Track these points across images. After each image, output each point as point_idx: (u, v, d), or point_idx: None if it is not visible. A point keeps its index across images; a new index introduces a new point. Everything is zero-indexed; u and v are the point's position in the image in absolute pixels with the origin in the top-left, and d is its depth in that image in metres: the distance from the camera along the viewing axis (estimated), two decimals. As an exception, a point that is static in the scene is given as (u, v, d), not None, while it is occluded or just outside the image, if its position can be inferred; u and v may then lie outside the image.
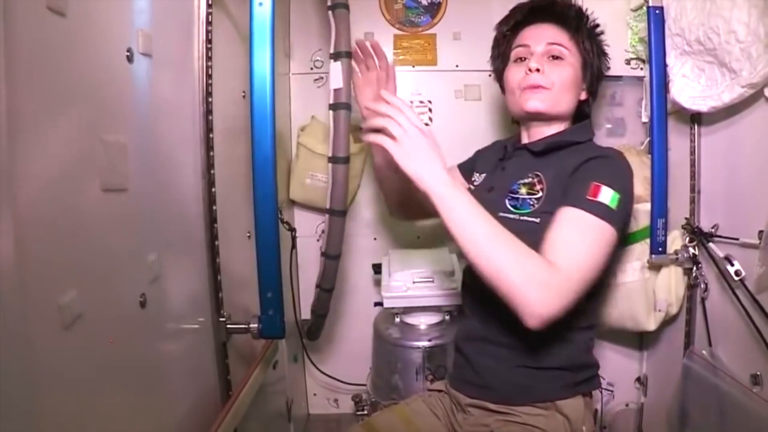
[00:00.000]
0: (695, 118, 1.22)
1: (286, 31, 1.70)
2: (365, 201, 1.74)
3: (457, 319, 1.43)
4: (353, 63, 1.24)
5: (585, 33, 1.07)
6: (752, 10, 0.98)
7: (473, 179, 1.18)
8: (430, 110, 1.75)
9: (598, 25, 1.12)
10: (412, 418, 1.04)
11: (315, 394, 1.86)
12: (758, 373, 1.01)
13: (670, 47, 1.20)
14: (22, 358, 0.52)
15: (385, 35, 1.74)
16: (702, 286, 1.20)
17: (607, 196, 0.87)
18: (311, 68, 1.74)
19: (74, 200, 0.63)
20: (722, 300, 1.14)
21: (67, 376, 0.59)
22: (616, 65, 1.35)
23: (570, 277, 0.81)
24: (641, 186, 1.22)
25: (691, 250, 1.21)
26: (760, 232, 0.96)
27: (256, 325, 1.04)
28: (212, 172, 1.06)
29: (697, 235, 1.19)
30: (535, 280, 0.79)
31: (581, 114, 1.12)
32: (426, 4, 1.74)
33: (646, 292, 1.26)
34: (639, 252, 1.26)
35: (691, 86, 1.16)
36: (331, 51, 1.35)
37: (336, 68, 1.32)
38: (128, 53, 0.77)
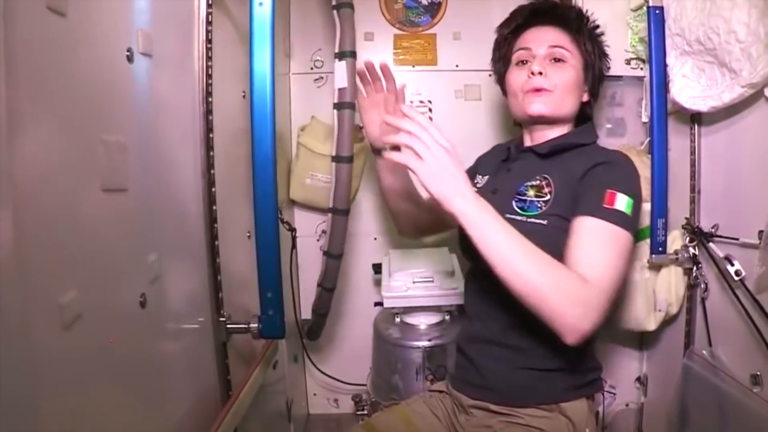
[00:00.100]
0: (695, 118, 1.22)
1: (286, 31, 1.70)
2: (365, 201, 1.74)
3: (458, 319, 1.43)
4: (359, 83, 1.22)
5: (586, 35, 1.07)
6: (752, 10, 0.98)
7: (476, 181, 1.18)
8: (430, 110, 1.76)
9: (598, 26, 1.12)
10: (413, 419, 1.04)
11: (315, 394, 1.86)
12: (758, 373, 1.01)
13: (670, 47, 1.20)
14: (22, 357, 0.52)
15: (385, 35, 1.74)
16: (702, 286, 1.20)
17: (622, 203, 0.88)
18: (311, 68, 1.74)
19: (74, 200, 0.63)
20: (722, 300, 1.13)
21: (67, 375, 0.59)
22: (616, 65, 1.35)
23: (603, 290, 0.83)
24: (642, 186, 1.22)
25: (691, 250, 1.21)
26: (760, 232, 0.96)
27: (256, 325, 1.04)
28: (212, 172, 1.06)
29: (697, 235, 1.19)
30: (574, 299, 0.80)
31: (583, 115, 1.12)
32: (426, 4, 1.74)
33: (646, 291, 1.27)
34: (639, 252, 1.26)
35: (691, 86, 1.16)
36: (336, 50, 1.35)
37: (341, 68, 1.31)
38: (128, 53, 0.77)
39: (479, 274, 1.04)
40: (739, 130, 1.10)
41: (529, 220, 0.96)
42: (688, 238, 1.22)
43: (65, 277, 0.60)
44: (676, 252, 1.22)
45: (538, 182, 0.99)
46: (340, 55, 1.30)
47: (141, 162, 0.80)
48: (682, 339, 1.27)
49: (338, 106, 1.34)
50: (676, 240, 1.25)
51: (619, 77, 1.43)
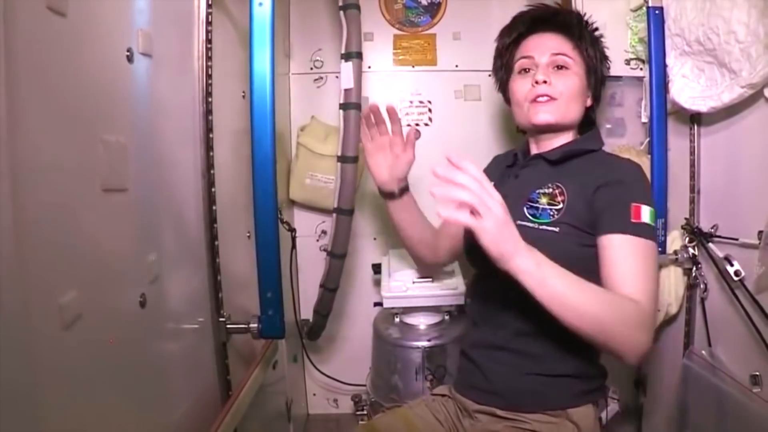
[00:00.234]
0: (695, 119, 1.22)
1: (286, 31, 1.70)
2: (365, 201, 1.74)
3: (458, 319, 1.43)
4: (362, 126, 1.18)
5: (588, 40, 1.07)
6: (752, 11, 0.99)
7: None
8: (429, 110, 1.76)
9: (597, 29, 1.12)
10: (414, 422, 1.03)
11: (314, 394, 1.86)
12: (758, 373, 1.01)
13: (670, 47, 1.20)
14: (22, 357, 0.52)
15: (385, 35, 1.74)
16: (702, 286, 1.20)
17: (647, 214, 0.90)
18: (311, 68, 1.74)
19: (74, 200, 0.63)
20: (722, 300, 1.14)
21: (67, 376, 0.59)
22: (616, 65, 1.35)
23: (651, 307, 0.86)
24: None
25: (691, 251, 1.21)
26: (760, 232, 0.96)
27: (256, 325, 1.04)
28: (212, 172, 1.06)
29: (697, 235, 1.19)
30: (634, 324, 0.83)
31: (587, 120, 1.12)
32: (426, 4, 1.74)
33: (645, 292, 1.27)
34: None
35: (691, 86, 1.16)
36: (342, 51, 1.35)
37: (347, 68, 1.31)
38: (128, 53, 0.77)
39: (486, 281, 1.04)
40: (738, 130, 1.10)
41: (540, 227, 0.96)
42: (687, 239, 1.22)
43: (65, 277, 0.60)
44: (675, 252, 1.22)
45: (550, 190, 0.99)
46: (347, 56, 1.30)
47: (141, 162, 0.80)
48: (682, 339, 1.28)
49: (344, 107, 1.34)
50: (675, 240, 1.25)
51: (618, 77, 1.43)
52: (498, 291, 0.92)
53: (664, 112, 1.21)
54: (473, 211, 0.73)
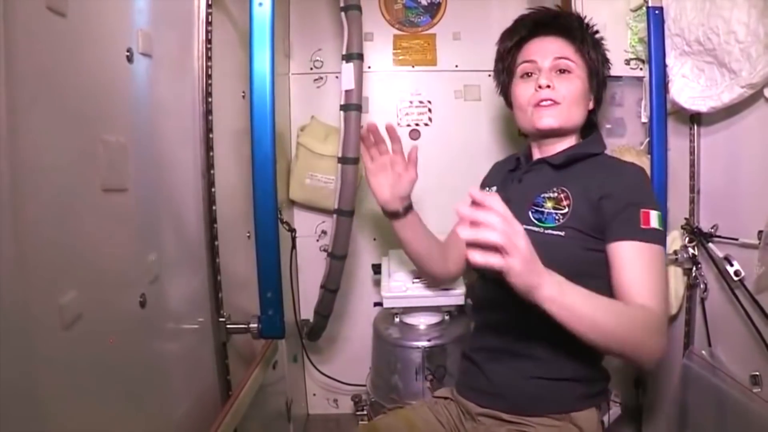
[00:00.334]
0: (695, 119, 1.22)
1: (286, 31, 1.70)
2: (365, 202, 1.74)
3: (457, 319, 1.43)
4: (361, 146, 1.15)
5: (590, 43, 1.07)
6: (752, 11, 0.99)
7: None
8: (429, 110, 1.76)
9: (597, 31, 1.12)
10: (416, 423, 1.03)
11: (314, 394, 1.86)
12: (758, 373, 1.01)
13: (670, 47, 1.20)
14: (23, 357, 0.52)
15: (385, 35, 1.74)
16: (701, 286, 1.20)
17: (655, 219, 0.91)
18: (311, 68, 1.75)
19: (74, 200, 0.63)
20: (722, 300, 1.14)
21: (67, 375, 0.59)
22: (616, 65, 1.35)
23: (663, 311, 0.88)
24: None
25: (691, 251, 1.21)
26: (760, 232, 0.96)
27: (256, 325, 1.04)
28: (212, 172, 1.06)
29: (697, 235, 1.19)
30: (651, 333, 0.85)
31: (589, 123, 1.12)
32: (426, 4, 1.74)
33: (645, 292, 1.26)
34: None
35: (691, 86, 1.16)
36: (343, 52, 1.35)
37: (348, 69, 1.31)
38: (128, 53, 0.77)
39: (489, 285, 1.04)
40: (738, 130, 1.10)
41: (546, 231, 0.96)
42: (687, 239, 1.22)
43: (65, 277, 0.60)
44: (675, 252, 1.22)
45: (556, 194, 0.99)
46: (348, 57, 1.30)
47: (141, 162, 0.80)
48: (682, 339, 1.28)
49: (345, 108, 1.34)
50: (675, 240, 1.25)
51: (618, 77, 1.43)
52: (502, 295, 0.92)
53: (664, 112, 1.21)
54: (501, 250, 0.71)
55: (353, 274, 1.77)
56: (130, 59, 0.77)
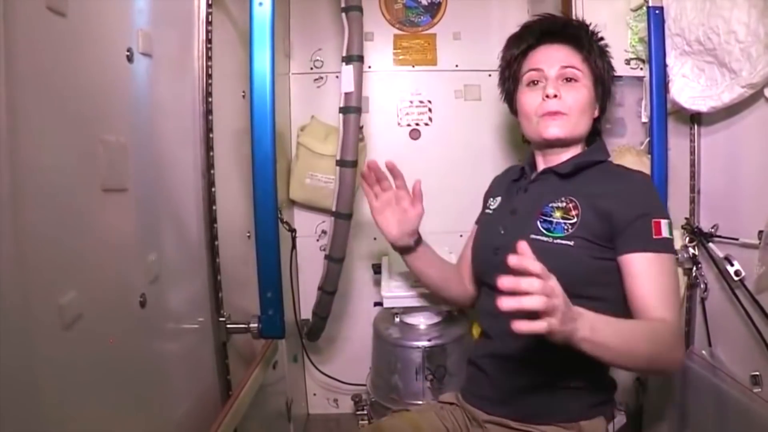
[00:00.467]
0: (695, 118, 1.22)
1: (286, 31, 1.70)
2: (365, 201, 1.73)
3: (458, 319, 1.43)
4: (364, 185, 1.13)
5: (596, 52, 1.06)
6: (752, 11, 0.99)
7: (488, 205, 1.17)
8: (430, 110, 1.76)
9: (602, 38, 1.11)
10: (422, 426, 1.03)
11: (315, 394, 1.86)
12: (758, 373, 1.01)
13: (670, 47, 1.20)
14: (23, 357, 0.52)
15: (385, 35, 1.74)
16: (702, 286, 1.20)
17: (665, 228, 0.92)
18: (311, 68, 1.75)
19: (74, 200, 0.63)
20: (722, 300, 1.14)
21: (67, 376, 0.59)
22: (616, 65, 1.33)
23: (679, 319, 0.91)
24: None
25: (691, 250, 1.21)
26: (760, 232, 0.96)
27: (256, 325, 1.04)
28: (212, 172, 1.06)
29: (697, 235, 1.19)
30: (675, 346, 0.87)
31: (593, 131, 1.11)
32: (426, 4, 1.74)
33: (645, 292, 1.26)
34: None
35: (691, 86, 1.16)
36: (344, 54, 1.34)
37: (347, 71, 1.31)
38: (128, 53, 0.77)
39: (495, 294, 1.03)
40: (738, 130, 1.10)
41: (555, 241, 0.96)
42: (687, 239, 1.22)
43: (65, 277, 0.60)
44: (676, 252, 1.22)
45: (564, 204, 0.98)
46: (348, 59, 1.29)
47: (141, 162, 0.80)
48: (682, 339, 1.28)
49: (344, 110, 1.34)
50: (675, 240, 1.25)
51: (618, 77, 1.43)
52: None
53: (664, 112, 1.21)
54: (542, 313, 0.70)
55: (353, 274, 1.77)
56: (130, 59, 0.77)
